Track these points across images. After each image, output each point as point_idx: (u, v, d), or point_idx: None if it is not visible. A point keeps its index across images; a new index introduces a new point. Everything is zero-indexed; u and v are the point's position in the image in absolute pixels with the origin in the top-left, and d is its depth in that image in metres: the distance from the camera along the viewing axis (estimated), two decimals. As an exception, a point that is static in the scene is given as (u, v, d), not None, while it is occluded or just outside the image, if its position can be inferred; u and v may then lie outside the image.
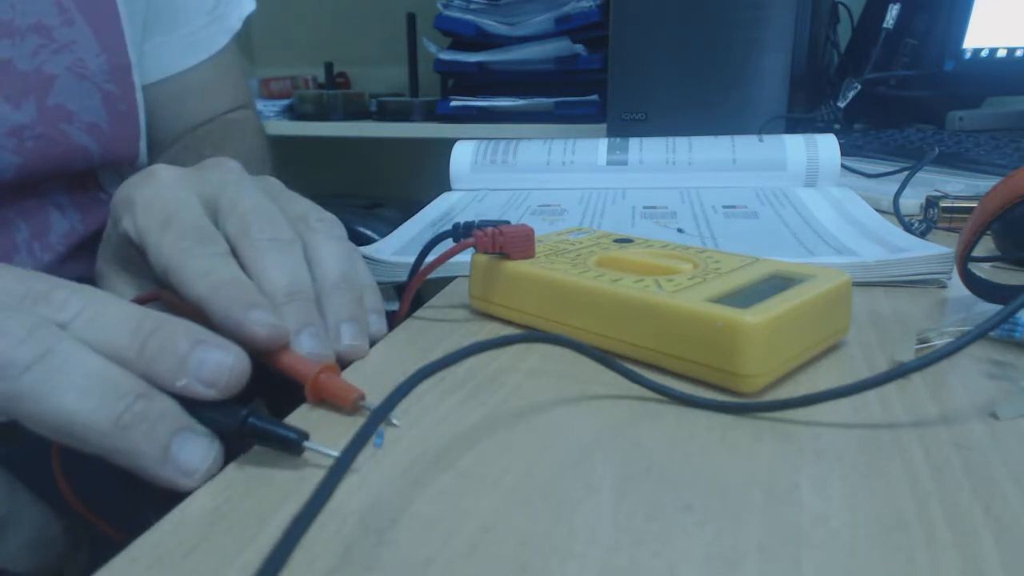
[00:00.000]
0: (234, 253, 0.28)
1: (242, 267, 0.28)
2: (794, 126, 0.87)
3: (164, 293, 0.29)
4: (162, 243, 0.27)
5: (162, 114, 0.58)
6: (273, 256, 0.28)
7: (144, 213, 0.29)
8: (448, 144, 0.65)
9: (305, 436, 0.21)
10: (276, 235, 0.29)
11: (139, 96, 0.52)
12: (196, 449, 0.22)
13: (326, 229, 0.31)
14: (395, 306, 0.34)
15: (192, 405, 0.22)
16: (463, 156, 0.62)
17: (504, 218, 0.48)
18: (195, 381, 0.22)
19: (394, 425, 0.24)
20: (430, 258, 0.33)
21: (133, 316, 0.23)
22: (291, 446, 0.21)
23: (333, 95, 1.30)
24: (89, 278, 0.31)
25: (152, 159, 0.55)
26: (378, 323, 0.32)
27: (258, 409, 0.22)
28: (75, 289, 0.23)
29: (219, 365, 0.22)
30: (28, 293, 0.23)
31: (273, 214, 0.30)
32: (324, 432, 0.23)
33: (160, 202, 0.29)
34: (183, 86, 0.59)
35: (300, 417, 0.25)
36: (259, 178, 0.33)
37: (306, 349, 0.26)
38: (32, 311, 0.22)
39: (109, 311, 0.23)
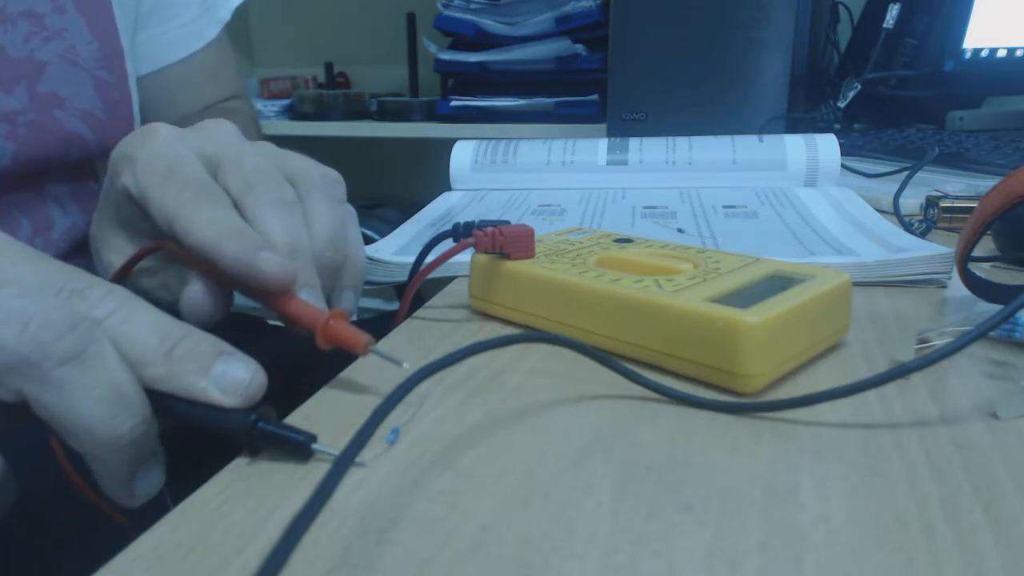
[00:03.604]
0: (236, 209, 0.29)
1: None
2: (794, 126, 0.87)
3: (167, 243, 0.29)
4: (165, 195, 0.28)
5: (155, 106, 0.58)
6: (277, 214, 0.29)
7: (145, 168, 0.29)
8: (448, 144, 0.65)
9: (313, 439, 0.21)
10: (280, 195, 0.29)
11: (133, 84, 0.52)
12: (151, 479, 0.24)
13: (327, 187, 0.32)
14: (395, 306, 0.34)
15: (203, 407, 0.22)
16: (463, 156, 0.62)
17: (504, 218, 0.48)
18: (214, 386, 0.22)
19: (404, 365, 0.24)
20: (430, 258, 0.33)
21: (164, 322, 0.24)
22: (299, 449, 0.21)
23: (333, 95, 1.30)
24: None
25: None
26: (350, 299, 0.32)
27: (267, 413, 0.22)
28: (111, 289, 0.24)
29: (239, 376, 0.23)
30: (66, 286, 0.23)
31: (275, 174, 0.30)
32: (326, 431, 0.23)
33: (161, 157, 0.29)
34: (175, 78, 0.60)
35: (302, 416, 0.25)
36: (254, 142, 0.33)
37: None
38: (67, 304, 0.22)
39: (141, 314, 0.24)
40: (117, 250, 0.31)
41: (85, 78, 0.48)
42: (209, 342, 0.23)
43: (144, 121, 0.55)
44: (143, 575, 0.17)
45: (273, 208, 0.29)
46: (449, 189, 0.62)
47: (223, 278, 0.27)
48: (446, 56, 1.16)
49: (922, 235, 0.44)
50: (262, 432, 0.22)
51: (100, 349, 0.22)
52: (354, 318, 0.33)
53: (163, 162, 0.29)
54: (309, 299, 0.28)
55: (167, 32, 0.59)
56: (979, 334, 0.23)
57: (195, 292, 0.28)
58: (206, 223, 0.27)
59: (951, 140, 0.75)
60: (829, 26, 1.05)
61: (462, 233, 0.33)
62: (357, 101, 1.31)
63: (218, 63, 0.63)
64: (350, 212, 0.33)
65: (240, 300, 0.30)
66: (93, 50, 0.48)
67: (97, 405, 0.21)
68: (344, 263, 0.32)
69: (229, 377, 0.23)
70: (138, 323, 0.23)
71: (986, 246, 0.42)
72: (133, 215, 0.30)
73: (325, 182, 0.32)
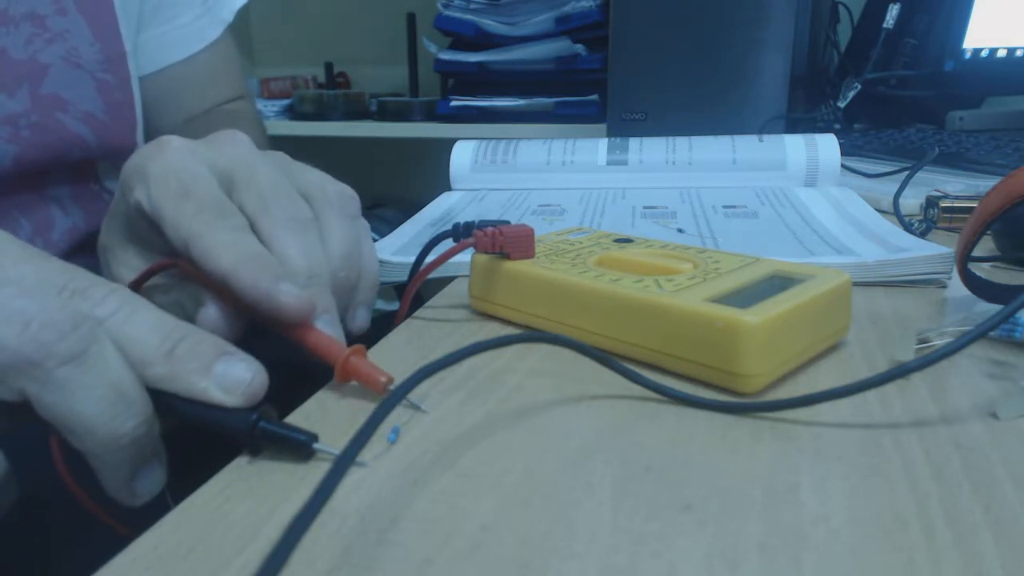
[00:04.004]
0: (252, 229, 0.28)
1: (261, 243, 0.28)
2: (794, 126, 0.87)
3: (181, 261, 0.29)
4: (180, 215, 0.27)
5: (158, 106, 0.58)
6: (293, 236, 0.28)
7: (158, 184, 0.28)
8: (448, 144, 0.65)
9: (314, 438, 0.21)
10: (295, 214, 0.29)
11: (135, 85, 0.52)
12: (152, 479, 0.24)
13: (342, 204, 0.32)
14: (395, 306, 0.34)
15: (205, 406, 0.23)
16: (463, 156, 0.62)
17: (504, 218, 0.48)
18: (215, 386, 0.23)
19: (422, 411, 0.24)
20: (430, 258, 0.33)
21: (166, 322, 0.24)
22: (301, 448, 0.21)
23: (333, 95, 1.30)
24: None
25: None
26: (364, 317, 0.32)
27: (268, 413, 0.22)
28: (113, 288, 0.24)
29: (241, 376, 0.23)
30: (68, 285, 0.23)
31: (290, 192, 0.30)
32: (327, 430, 0.23)
33: (174, 173, 0.28)
34: (178, 78, 0.60)
35: (302, 415, 0.25)
36: (267, 152, 0.33)
37: None
38: (69, 304, 0.22)
39: (143, 314, 0.24)
40: (126, 264, 0.31)
41: (87, 80, 0.48)
42: (210, 342, 0.23)
43: (147, 122, 0.55)
44: (143, 575, 0.17)
45: (289, 228, 0.28)
46: (449, 189, 0.62)
47: (238, 301, 0.27)
48: (446, 56, 1.16)
49: (922, 235, 0.44)
50: (263, 432, 0.22)
51: (102, 349, 0.22)
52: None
53: (176, 179, 0.28)
54: (326, 327, 0.27)
55: (168, 32, 0.59)
56: (979, 334, 0.23)
57: (210, 316, 0.27)
58: (223, 249, 0.26)
59: (951, 140, 0.75)
60: (829, 26, 1.05)
61: (462, 233, 0.33)
62: (357, 101, 1.31)
63: (222, 64, 0.63)
64: (364, 226, 0.33)
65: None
66: (95, 52, 0.49)
67: (99, 405, 0.21)
68: (358, 280, 0.32)
69: (230, 376, 0.23)
70: (140, 323, 0.23)
71: (986, 246, 0.42)
72: (145, 230, 0.30)
73: (340, 199, 0.32)
